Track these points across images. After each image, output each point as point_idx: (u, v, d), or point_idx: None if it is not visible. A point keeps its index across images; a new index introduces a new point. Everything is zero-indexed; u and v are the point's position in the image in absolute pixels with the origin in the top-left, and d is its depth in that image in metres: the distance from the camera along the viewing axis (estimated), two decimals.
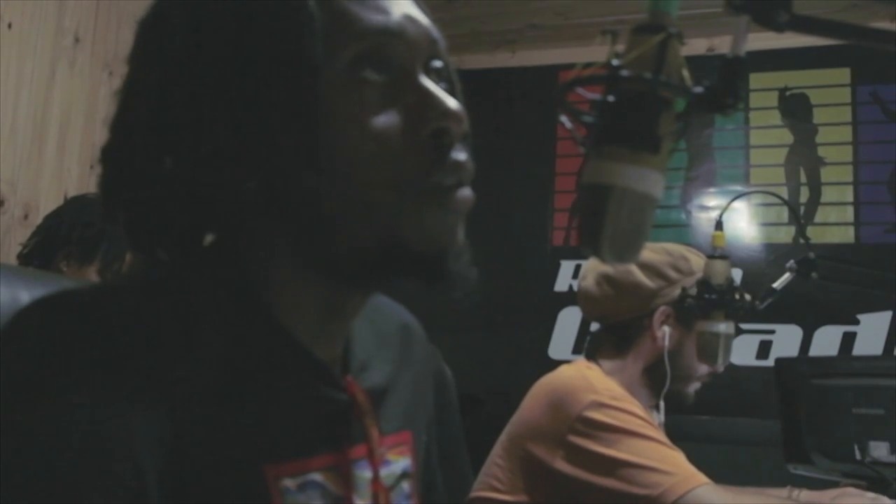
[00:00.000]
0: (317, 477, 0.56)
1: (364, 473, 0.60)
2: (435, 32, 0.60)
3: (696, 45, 3.07)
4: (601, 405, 1.25)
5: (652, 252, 1.41)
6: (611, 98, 0.52)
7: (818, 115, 3.25)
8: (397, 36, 0.56)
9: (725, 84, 0.53)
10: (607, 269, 1.42)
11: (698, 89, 0.53)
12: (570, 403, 1.27)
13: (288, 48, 0.53)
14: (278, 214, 0.57)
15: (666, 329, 1.37)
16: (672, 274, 1.38)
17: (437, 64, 0.59)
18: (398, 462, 0.65)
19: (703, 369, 1.40)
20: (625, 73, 0.52)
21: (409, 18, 0.57)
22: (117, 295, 0.54)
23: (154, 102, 0.56)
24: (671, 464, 1.19)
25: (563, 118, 0.55)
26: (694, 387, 1.43)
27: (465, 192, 0.57)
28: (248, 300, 0.57)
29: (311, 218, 0.56)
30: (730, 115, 0.54)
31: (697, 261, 1.40)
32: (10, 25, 2.12)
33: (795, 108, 3.25)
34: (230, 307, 0.56)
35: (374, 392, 0.64)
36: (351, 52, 0.55)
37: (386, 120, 0.55)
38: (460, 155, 0.57)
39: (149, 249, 0.60)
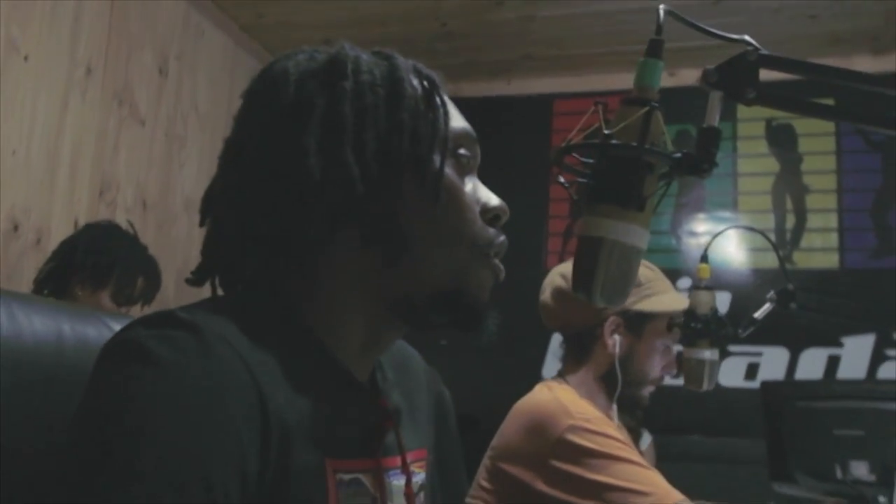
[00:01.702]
0: (360, 477, 0.65)
1: (396, 481, 0.70)
2: None
3: (686, 76, 3.17)
4: (578, 429, 1.32)
5: None
6: (602, 162, 0.61)
7: (803, 145, 3.35)
8: (472, 139, 0.76)
9: (701, 151, 0.62)
10: (561, 282, 1.50)
11: (678, 155, 0.61)
12: (547, 427, 1.34)
13: (435, 121, 0.71)
14: (372, 245, 0.69)
15: (616, 337, 1.45)
16: None
17: None
18: (419, 475, 0.74)
19: (656, 373, 1.47)
20: (614, 141, 0.60)
21: (473, 131, 0.77)
22: (203, 312, 0.62)
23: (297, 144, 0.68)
24: (648, 484, 1.27)
25: (560, 178, 0.64)
26: (648, 390, 1.50)
27: (502, 268, 0.74)
28: (302, 330, 0.68)
29: (401, 251, 0.69)
30: (706, 178, 0.62)
31: (645, 272, 1.47)
32: (26, 58, 2.20)
33: (781, 138, 3.35)
34: (287, 333, 0.66)
35: (396, 412, 0.73)
36: (454, 139, 0.73)
37: (471, 193, 0.73)
38: (504, 238, 0.75)
39: (231, 283, 0.72)
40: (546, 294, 1.54)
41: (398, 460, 0.71)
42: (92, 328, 0.80)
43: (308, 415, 0.62)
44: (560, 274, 1.54)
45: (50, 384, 0.72)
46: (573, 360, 1.51)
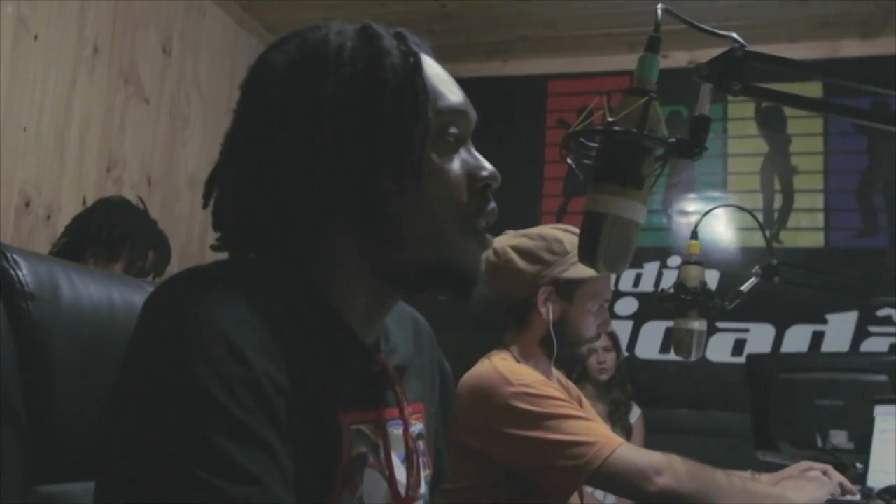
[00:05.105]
0: (363, 427, 0.73)
1: (395, 430, 0.77)
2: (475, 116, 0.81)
3: (679, 58, 3.24)
4: (519, 395, 1.40)
5: (528, 239, 1.56)
6: (606, 146, 0.68)
7: (792, 126, 3.43)
8: (463, 113, 0.76)
9: (693, 136, 0.69)
10: (493, 258, 1.57)
11: (672, 140, 0.69)
12: (491, 397, 1.42)
13: (414, 107, 0.72)
14: (362, 229, 0.74)
15: (549, 305, 1.53)
16: (548, 257, 1.53)
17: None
18: (416, 425, 0.81)
19: (591, 332, 1.56)
20: (617, 127, 0.68)
21: (468, 102, 0.78)
22: (230, 271, 0.69)
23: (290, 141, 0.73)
24: (590, 434, 1.35)
25: (568, 160, 0.71)
26: (586, 347, 1.59)
27: (491, 238, 0.77)
28: (313, 294, 0.74)
29: (391, 233, 0.74)
30: (697, 160, 0.70)
31: (571, 239, 1.53)
32: (36, 37, 2.25)
33: (771, 119, 3.43)
34: (300, 296, 0.72)
35: (399, 368, 0.81)
36: (441, 119, 0.74)
37: (456, 170, 0.75)
38: (494, 205, 0.77)
39: (242, 250, 0.77)
40: (483, 268, 1.61)
41: (396, 412, 0.78)
42: (137, 295, 0.87)
43: (318, 370, 0.68)
44: (491, 250, 1.59)
45: (105, 342, 0.79)
46: (514, 329, 1.59)
